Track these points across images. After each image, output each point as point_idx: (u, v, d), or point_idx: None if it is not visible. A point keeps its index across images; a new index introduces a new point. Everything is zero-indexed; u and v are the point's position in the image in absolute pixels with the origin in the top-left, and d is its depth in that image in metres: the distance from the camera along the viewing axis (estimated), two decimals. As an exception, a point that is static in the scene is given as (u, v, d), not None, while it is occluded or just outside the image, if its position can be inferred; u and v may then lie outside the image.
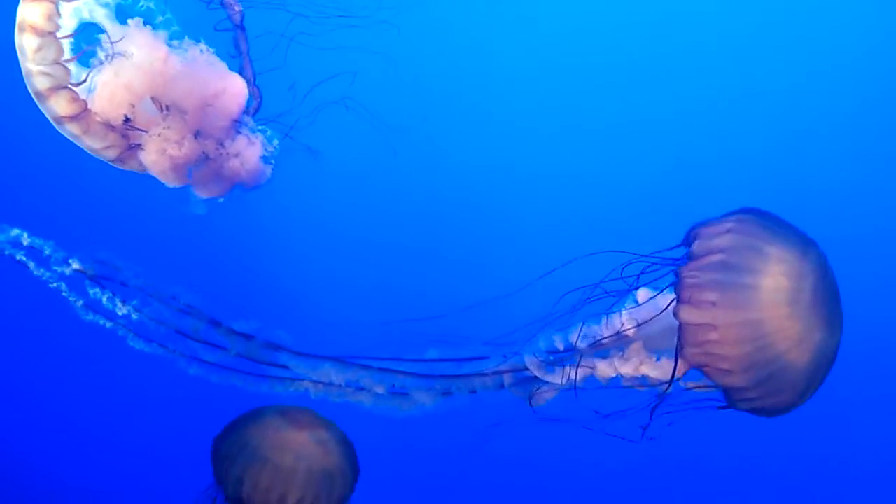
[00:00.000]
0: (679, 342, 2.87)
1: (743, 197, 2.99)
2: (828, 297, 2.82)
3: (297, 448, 2.93)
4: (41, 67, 2.35)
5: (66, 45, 2.38)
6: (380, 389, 3.50)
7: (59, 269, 2.72)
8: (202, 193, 2.53)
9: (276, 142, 2.52)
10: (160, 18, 2.42)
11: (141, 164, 2.46)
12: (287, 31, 2.55)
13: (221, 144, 2.47)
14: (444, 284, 6.34)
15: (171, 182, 2.49)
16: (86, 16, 2.39)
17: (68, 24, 2.37)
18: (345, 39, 2.68)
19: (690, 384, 3.00)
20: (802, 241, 2.83)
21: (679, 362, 2.91)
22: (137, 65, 2.37)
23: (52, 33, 2.38)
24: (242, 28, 2.50)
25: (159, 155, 2.43)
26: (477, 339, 3.37)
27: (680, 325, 2.83)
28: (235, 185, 2.54)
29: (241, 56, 2.51)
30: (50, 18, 2.36)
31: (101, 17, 2.40)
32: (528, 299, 3.24)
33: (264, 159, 2.53)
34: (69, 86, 2.39)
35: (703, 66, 7.49)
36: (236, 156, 2.48)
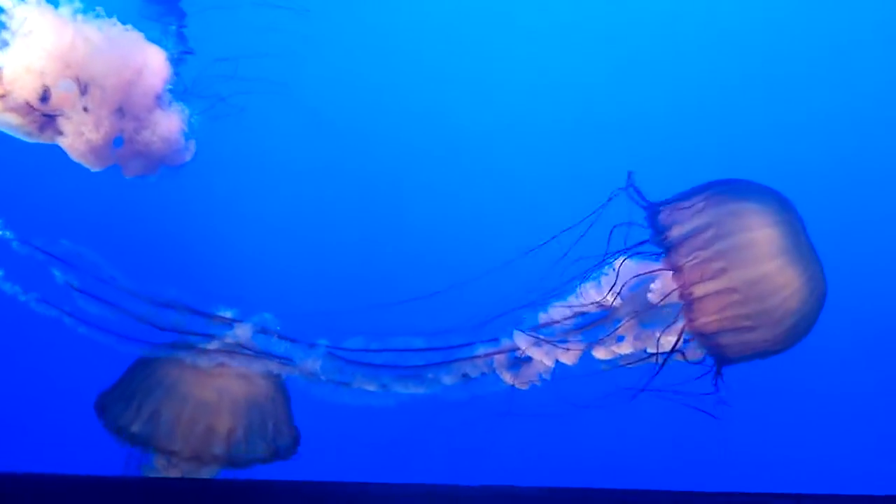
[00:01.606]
0: (681, 317, 2.99)
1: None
2: (806, 236, 3.01)
3: (218, 382, 2.80)
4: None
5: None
6: (371, 386, 3.43)
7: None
8: (129, 172, 2.48)
9: (194, 117, 2.44)
10: (66, -4, 2.37)
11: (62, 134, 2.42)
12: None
13: (140, 121, 2.41)
14: (410, 273, 6.25)
15: (93, 165, 2.45)
16: (-13, -4, 2.37)
17: (-25, 8, 2.35)
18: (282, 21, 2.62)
19: (679, 355, 3.09)
20: (766, 193, 3.02)
21: (673, 336, 3.04)
22: (42, 46, 2.33)
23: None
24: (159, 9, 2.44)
25: (76, 138, 2.38)
26: (455, 324, 3.30)
27: (688, 302, 2.95)
28: (160, 162, 2.48)
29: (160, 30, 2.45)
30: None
31: (4, -2, 2.37)
32: (504, 284, 3.16)
33: (185, 135, 2.46)
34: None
35: (678, 60, 7.45)
36: (155, 131, 2.42)
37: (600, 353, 3.31)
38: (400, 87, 7.04)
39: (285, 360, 3.20)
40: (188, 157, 2.49)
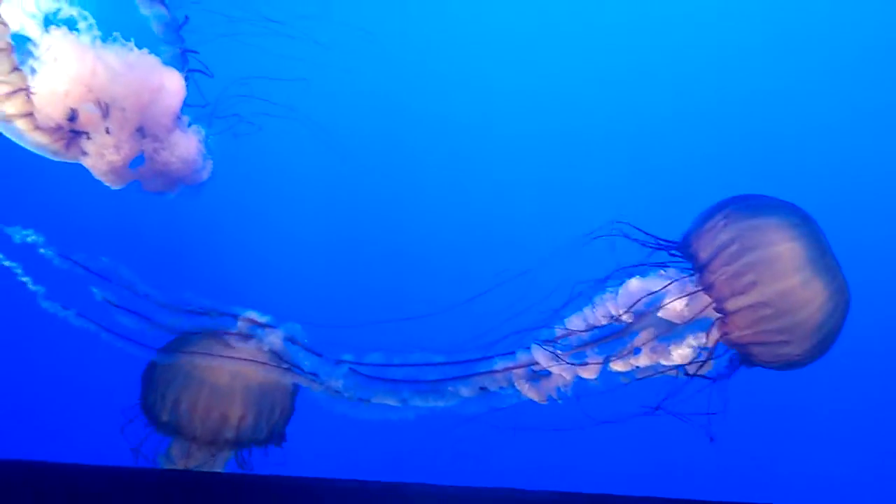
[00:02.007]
0: (715, 331, 3.05)
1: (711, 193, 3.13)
2: (829, 247, 3.03)
3: (231, 368, 2.89)
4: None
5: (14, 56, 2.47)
6: (391, 401, 3.47)
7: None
8: (149, 188, 2.57)
9: (211, 138, 2.53)
10: (83, 24, 2.47)
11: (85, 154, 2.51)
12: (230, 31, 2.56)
13: (159, 142, 2.50)
14: (426, 287, 6.28)
15: (112, 183, 2.54)
16: (16, 28, 2.47)
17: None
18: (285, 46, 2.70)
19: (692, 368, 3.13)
20: (786, 207, 3.05)
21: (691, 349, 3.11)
22: (66, 72, 2.43)
23: (3, 49, 2.47)
24: (173, 33, 2.52)
25: (98, 159, 2.48)
26: (473, 337, 3.33)
27: (722, 317, 3.00)
28: (179, 181, 2.57)
29: (178, 52, 2.54)
30: (3, 36, 2.46)
31: (30, 27, 2.47)
32: (520, 296, 3.20)
33: (202, 155, 2.54)
34: (23, 89, 2.46)
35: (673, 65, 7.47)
36: (174, 152, 2.50)
37: (618, 367, 3.34)
38: (417, 104, 7.11)
39: (310, 374, 3.28)
40: (205, 176, 2.57)
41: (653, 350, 3.26)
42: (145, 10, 2.52)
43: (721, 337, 3.06)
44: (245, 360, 2.91)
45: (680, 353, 3.23)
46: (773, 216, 2.99)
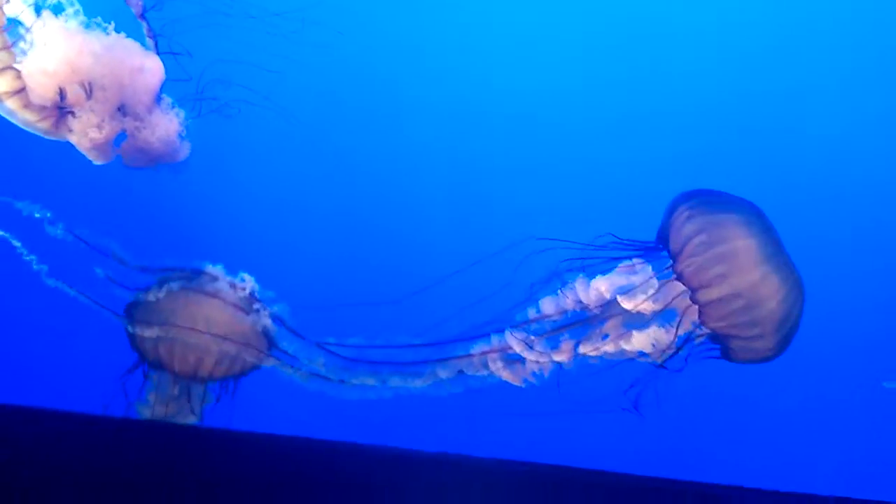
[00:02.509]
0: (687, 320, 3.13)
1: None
2: (781, 242, 3.11)
3: (208, 314, 3.04)
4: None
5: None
6: (371, 382, 3.57)
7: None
8: (130, 164, 2.74)
9: (190, 120, 2.69)
10: (71, 9, 2.66)
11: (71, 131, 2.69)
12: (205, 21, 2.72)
13: (141, 120, 2.67)
14: (401, 271, 6.36)
15: (96, 159, 2.72)
16: (10, 13, 2.67)
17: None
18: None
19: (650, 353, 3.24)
20: (740, 203, 3.13)
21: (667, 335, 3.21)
22: (55, 54, 2.62)
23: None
24: (145, 19, 2.70)
25: (82, 136, 2.66)
26: (450, 321, 3.41)
27: (698, 307, 3.06)
28: (159, 159, 2.74)
29: (151, 41, 2.71)
30: (-1, 17, 2.64)
31: (22, 11, 2.66)
32: (492, 280, 3.28)
33: (181, 135, 2.71)
34: (13, 66, 2.64)
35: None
36: (154, 131, 2.67)
37: (588, 351, 3.42)
38: (399, 90, 7.21)
39: (292, 357, 3.41)
40: (184, 155, 2.74)
41: (620, 337, 3.34)
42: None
43: (695, 327, 3.14)
44: (219, 304, 3.05)
45: (645, 340, 3.29)
46: (733, 212, 3.06)
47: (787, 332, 3.12)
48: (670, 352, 3.29)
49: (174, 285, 3.03)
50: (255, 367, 3.21)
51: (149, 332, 2.97)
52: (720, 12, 7.79)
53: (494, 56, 7.71)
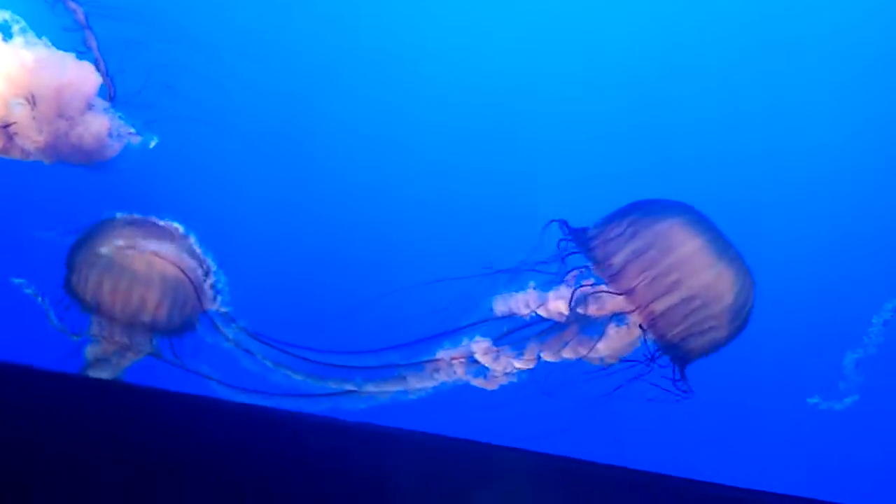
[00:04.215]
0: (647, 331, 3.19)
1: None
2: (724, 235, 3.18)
3: (150, 257, 3.14)
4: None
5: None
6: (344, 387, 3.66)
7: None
8: (70, 162, 3.04)
9: (122, 122, 2.96)
10: (16, 27, 3.01)
11: (21, 151, 3.04)
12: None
13: (73, 121, 2.96)
14: (370, 275, 6.16)
15: (46, 160, 3.04)
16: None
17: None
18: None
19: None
20: (678, 206, 3.20)
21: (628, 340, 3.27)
22: (4, 73, 2.97)
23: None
24: (90, 27, 3.02)
25: (25, 141, 2.99)
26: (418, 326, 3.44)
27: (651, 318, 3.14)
28: (92, 156, 3.01)
29: (91, 51, 3.02)
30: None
31: (-29, 35, 3.04)
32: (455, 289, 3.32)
33: (111, 136, 2.98)
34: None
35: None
36: (87, 130, 2.96)
37: (548, 357, 3.40)
38: (369, 89, 7.19)
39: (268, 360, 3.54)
40: (115, 153, 3.01)
41: (579, 343, 3.33)
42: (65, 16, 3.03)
43: (652, 338, 3.17)
44: (163, 250, 3.21)
45: (603, 347, 3.28)
46: (674, 217, 3.12)
47: (744, 319, 3.16)
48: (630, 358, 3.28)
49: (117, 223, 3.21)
50: (197, 317, 3.32)
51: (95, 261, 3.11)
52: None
53: (453, 56, 7.69)
